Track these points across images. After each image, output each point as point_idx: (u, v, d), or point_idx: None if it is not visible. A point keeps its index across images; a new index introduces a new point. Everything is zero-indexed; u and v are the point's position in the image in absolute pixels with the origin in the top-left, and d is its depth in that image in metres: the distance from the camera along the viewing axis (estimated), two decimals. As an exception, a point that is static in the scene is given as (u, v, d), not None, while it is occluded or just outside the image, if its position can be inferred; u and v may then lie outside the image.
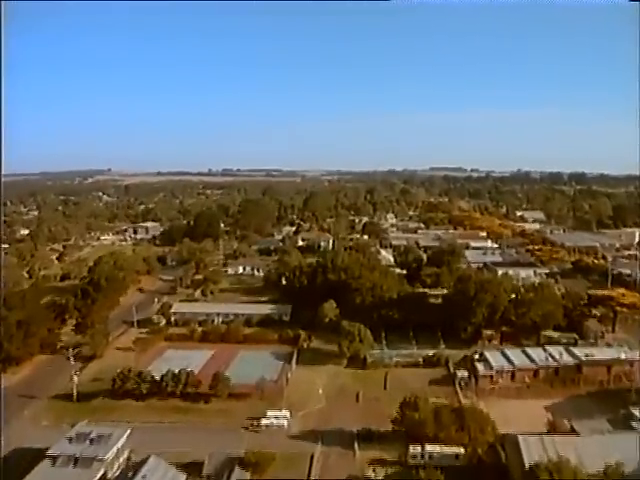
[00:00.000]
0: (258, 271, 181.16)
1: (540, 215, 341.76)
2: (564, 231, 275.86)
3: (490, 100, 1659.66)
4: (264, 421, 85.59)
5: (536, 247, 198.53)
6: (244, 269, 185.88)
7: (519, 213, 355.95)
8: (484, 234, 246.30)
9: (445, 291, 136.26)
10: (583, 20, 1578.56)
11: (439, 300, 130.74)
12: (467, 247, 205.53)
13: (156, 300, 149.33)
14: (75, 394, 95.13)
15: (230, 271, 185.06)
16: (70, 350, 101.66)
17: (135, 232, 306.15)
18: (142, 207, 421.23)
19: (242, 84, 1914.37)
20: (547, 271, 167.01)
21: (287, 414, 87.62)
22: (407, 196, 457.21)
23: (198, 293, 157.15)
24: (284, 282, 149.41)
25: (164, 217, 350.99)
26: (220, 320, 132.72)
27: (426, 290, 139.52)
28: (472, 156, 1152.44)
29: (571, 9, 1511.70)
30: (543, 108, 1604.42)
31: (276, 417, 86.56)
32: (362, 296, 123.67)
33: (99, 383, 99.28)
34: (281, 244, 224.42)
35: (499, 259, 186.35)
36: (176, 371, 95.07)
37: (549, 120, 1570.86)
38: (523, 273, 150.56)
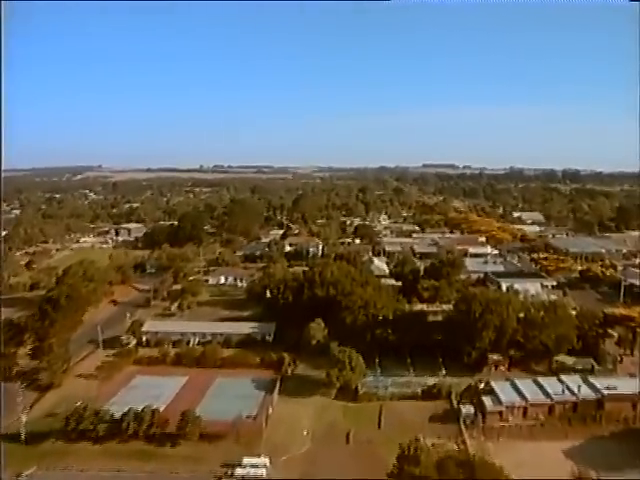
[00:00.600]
0: (241, 281, 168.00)
1: (538, 216, 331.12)
2: (567, 235, 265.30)
3: (482, 97, 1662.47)
4: (239, 470, 74.44)
5: (541, 256, 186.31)
6: (226, 279, 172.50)
7: (516, 214, 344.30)
8: (483, 239, 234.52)
9: (444, 306, 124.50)
10: (580, 18, 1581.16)
11: (438, 317, 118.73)
12: (466, 254, 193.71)
13: (128, 315, 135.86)
14: (23, 435, 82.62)
15: (211, 281, 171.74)
16: (18, 383, 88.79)
17: (117, 234, 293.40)
18: (127, 206, 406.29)
19: (235, 81, 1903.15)
20: (554, 283, 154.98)
21: (266, 461, 76.06)
22: (400, 195, 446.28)
23: (175, 307, 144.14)
24: (268, 295, 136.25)
25: (148, 217, 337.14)
26: (196, 340, 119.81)
27: (424, 306, 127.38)
28: (464, 153, 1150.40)
29: (568, 7, 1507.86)
30: (535, 105, 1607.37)
31: (254, 465, 75.22)
32: (353, 315, 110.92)
33: (53, 420, 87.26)
34: (267, 249, 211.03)
35: (501, 268, 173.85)
36: (139, 409, 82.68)
37: (541, 117, 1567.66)
38: (531, 288, 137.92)
